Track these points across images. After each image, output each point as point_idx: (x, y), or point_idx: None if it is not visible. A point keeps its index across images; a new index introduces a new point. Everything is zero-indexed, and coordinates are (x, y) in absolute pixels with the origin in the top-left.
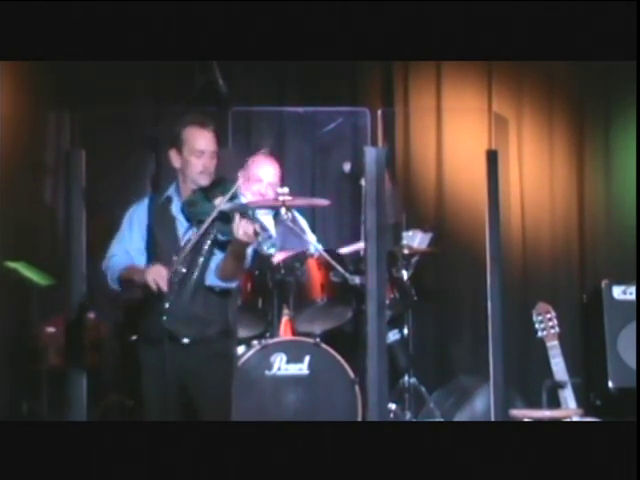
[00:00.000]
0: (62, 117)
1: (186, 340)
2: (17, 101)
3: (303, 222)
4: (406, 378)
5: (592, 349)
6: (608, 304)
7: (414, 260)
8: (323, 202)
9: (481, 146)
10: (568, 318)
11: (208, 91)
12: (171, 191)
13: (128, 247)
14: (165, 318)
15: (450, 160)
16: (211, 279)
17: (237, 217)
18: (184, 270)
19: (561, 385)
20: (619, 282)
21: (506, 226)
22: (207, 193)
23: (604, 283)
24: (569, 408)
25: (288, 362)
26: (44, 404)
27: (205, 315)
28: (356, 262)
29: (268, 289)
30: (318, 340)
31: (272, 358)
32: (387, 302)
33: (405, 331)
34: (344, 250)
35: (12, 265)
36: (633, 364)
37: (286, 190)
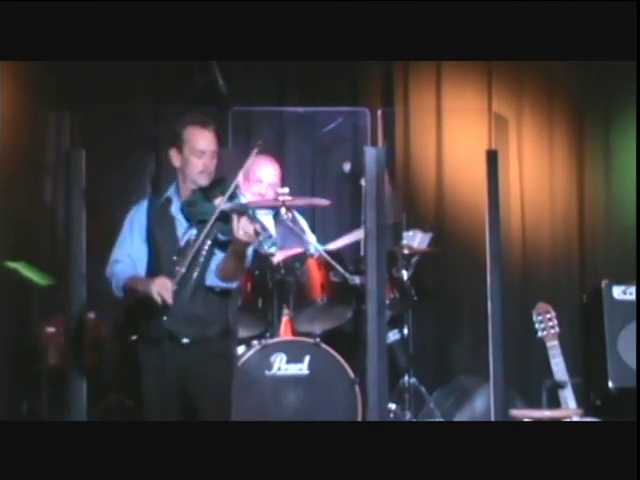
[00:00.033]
0: (62, 117)
1: (186, 340)
2: (17, 101)
3: (303, 222)
4: (406, 378)
5: (592, 349)
6: (608, 304)
7: (414, 260)
8: (323, 202)
9: (481, 146)
10: (568, 318)
11: (208, 91)
12: (171, 192)
13: (130, 251)
14: (165, 318)
15: (450, 160)
16: (211, 279)
17: (237, 217)
18: (184, 270)
19: (561, 385)
20: (619, 282)
21: (506, 226)
22: (207, 193)
23: (604, 283)
24: (569, 408)
25: (288, 362)
26: (44, 404)
27: (205, 315)
28: (356, 262)
29: (268, 289)
30: (318, 340)
31: (272, 358)
32: (387, 302)
33: (405, 331)
34: (342, 241)
35: (12, 265)
36: (633, 364)
37: (286, 190)
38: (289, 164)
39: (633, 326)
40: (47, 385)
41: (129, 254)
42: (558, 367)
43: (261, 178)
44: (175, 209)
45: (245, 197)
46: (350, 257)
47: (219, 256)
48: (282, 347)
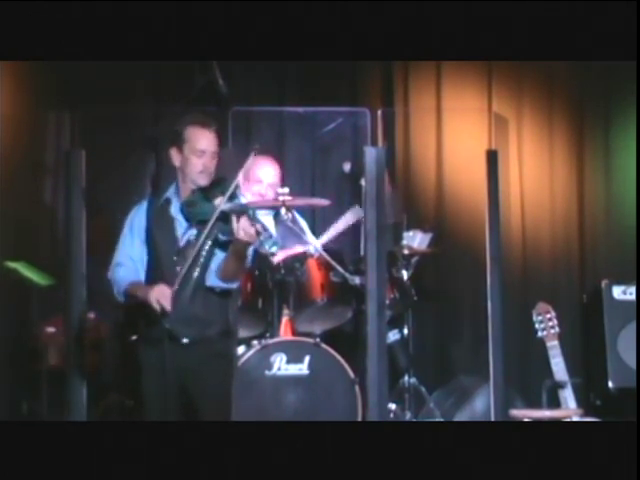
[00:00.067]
0: (62, 117)
1: (186, 340)
2: (17, 101)
3: (303, 222)
4: (406, 378)
5: (592, 349)
6: (608, 304)
7: (414, 260)
8: (323, 202)
9: (481, 146)
10: (568, 318)
11: (208, 91)
12: (170, 192)
13: (131, 253)
14: (165, 318)
15: (450, 160)
16: (212, 280)
17: (238, 217)
18: (184, 271)
19: (561, 385)
20: (619, 282)
21: (506, 226)
22: (206, 193)
23: (604, 283)
24: (569, 408)
25: (288, 362)
26: (44, 404)
27: (205, 315)
28: (356, 262)
29: (268, 289)
30: (318, 340)
31: (272, 358)
32: (387, 302)
33: (405, 331)
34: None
35: (12, 265)
36: (633, 364)
37: (286, 190)
38: (289, 164)
39: (633, 326)
40: (47, 385)
41: (130, 256)
42: (558, 367)
43: (261, 178)
44: (175, 209)
45: (245, 197)
46: (350, 257)
47: (219, 256)
48: (282, 347)
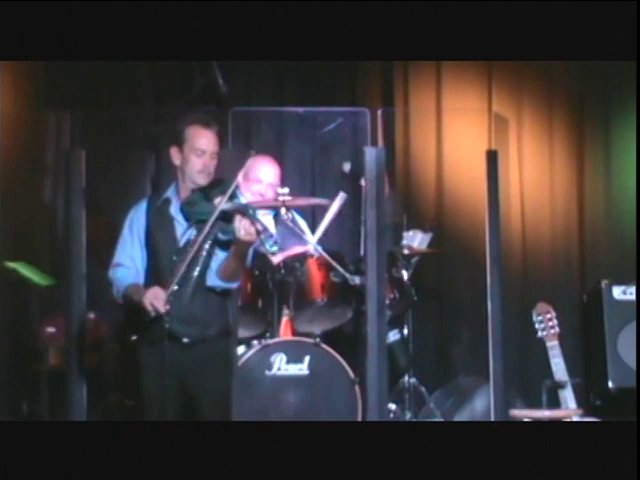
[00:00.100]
0: (62, 117)
1: (186, 340)
2: (17, 101)
3: (302, 222)
4: (406, 378)
5: (592, 349)
6: (608, 304)
7: (414, 260)
8: (323, 202)
9: (481, 146)
10: (568, 318)
11: (208, 91)
12: (170, 192)
13: (131, 253)
14: (165, 318)
15: (450, 160)
16: (212, 279)
17: (238, 217)
18: (184, 270)
19: (561, 385)
20: (619, 282)
21: (506, 226)
22: (206, 193)
23: (604, 283)
24: (569, 408)
25: (288, 362)
26: (44, 404)
27: (205, 315)
28: (356, 262)
29: (268, 289)
30: (318, 340)
31: (272, 358)
32: (387, 302)
33: (405, 331)
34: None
35: (12, 265)
36: (633, 364)
37: (286, 190)
38: (289, 164)
39: (633, 326)
40: (47, 385)
41: (130, 256)
42: (558, 367)
43: (260, 178)
44: (174, 209)
45: (245, 197)
46: (350, 257)
47: (219, 256)
48: (282, 347)
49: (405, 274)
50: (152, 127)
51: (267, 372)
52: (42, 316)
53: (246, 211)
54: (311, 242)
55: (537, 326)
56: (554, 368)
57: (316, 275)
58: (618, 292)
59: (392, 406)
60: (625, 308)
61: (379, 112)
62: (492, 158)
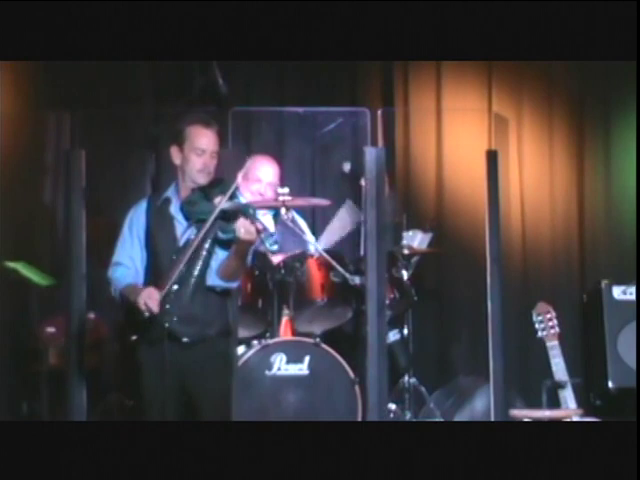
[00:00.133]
0: (62, 117)
1: (186, 339)
2: (17, 101)
3: (302, 222)
4: (406, 378)
5: (592, 349)
6: (608, 304)
7: (414, 260)
8: (323, 202)
9: (481, 146)
10: (568, 318)
11: (208, 91)
12: (170, 191)
13: (130, 252)
14: (165, 318)
15: (450, 160)
16: (212, 279)
17: (238, 216)
18: (184, 270)
19: (561, 385)
20: (619, 282)
21: (506, 226)
22: (206, 193)
23: (604, 283)
24: (569, 408)
25: (288, 362)
26: (44, 404)
27: (205, 315)
28: (356, 262)
29: (268, 289)
30: (318, 340)
31: (272, 358)
32: (387, 302)
33: (405, 331)
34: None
35: (12, 265)
36: (633, 364)
37: (286, 190)
38: (289, 164)
39: (633, 326)
40: (47, 385)
41: (129, 255)
42: (558, 367)
43: (260, 178)
44: (174, 209)
45: (244, 197)
46: (350, 257)
47: (219, 256)
48: (282, 347)
49: (405, 274)
50: (152, 127)
51: (267, 372)
52: (42, 316)
53: (246, 211)
54: (311, 242)
55: (537, 326)
56: (554, 368)
57: (316, 275)
58: (618, 292)
59: (392, 406)
60: (625, 308)
61: (379, 112)
62: (492, 158)
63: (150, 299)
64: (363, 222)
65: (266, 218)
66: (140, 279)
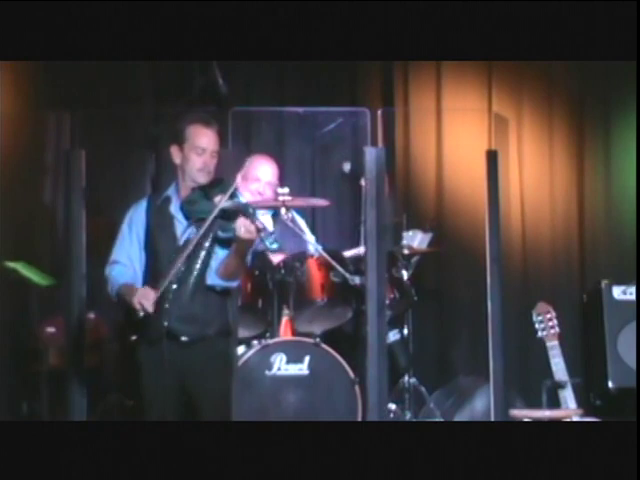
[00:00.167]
0: (62, 117)
1: (185, 338)
2: (17, 101)
3: (302, 222)
4: (406, 378)
5: (592, 349)
6: (608, 304)
7: (414, 260)
8: (323, 202)
9: (481, 146)
10: (568, 318)
11: (208, 91)
12: (170, 191)
13: (129, 251)
14: (164, 317)
15: (450, 160)
16: (212, 278)
17: (239, 215)
18: (183, 269)
19: (561, 385)
20: (619, 282)
21: (506, 226)
22: (206, 192)
23: (604, 283)
24: (569, 408)
25: (288, 362)
26: (44, 404)
27: (205, 314)
28: (356, 262)
29: (268, 289)
30: (318, 340)
31: (272, 358)
32: (387, 302)
33: (405, 331)
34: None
35: (12, 265)
36: (633, 364)
37: (286, 190)
38: (289, 164)
39: (633, 326)
40: (47, 385)
41: (128, 255)
42: (558, 367)
43: (259, 177)
44: (174, 208)
45: (244, 197)
46: (350, 257)
47: (219, 255)
48: (282, 347)
49: (405, 274)
50: (152, 127)
51: (267, 372)
52: (42, 316)
53: (246, 210)
54: (311, 242)
55: (537, 326)
56: (554, 368)
57: (316, 275)
58: (618, 292)
59: (392, 406)
60: (625, 308)
61: (379, 112)
62: (492, 158)
63: (145, 299)
64: (363, 222)
65: (265, 218)
66: (137, 278)
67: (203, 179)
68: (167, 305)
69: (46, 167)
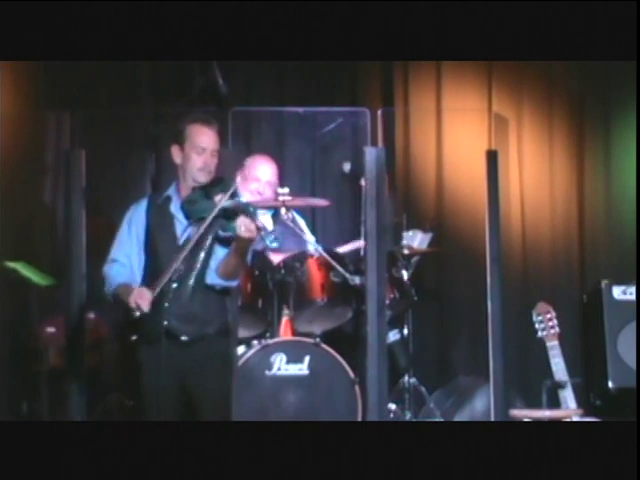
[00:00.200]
0: (62, 117)
1: (184, 337)
2: (17, 101)
3: (302, 222)
4: (406, 378)
5: (592, 349)
6: (608, 304)
7: (414, 260)
8: (323, 202)
9: (481, 146)
10: (568, 318)
11: (208, 91)
12: (171, 191)
13: (128, 251)
14: (164, 316)
15: (450, 160)
16: (212, 278)
17: (239, 215)
18: (183, 268)
19: (561, 385)
20: (619, 282)
21: (506, 226)
22: (207, 191)
23: (604, 283)
24: (569, 408)
25: (288, 362)
26: (44, 404)
27: (204, 314)
28: (356, 262)
29: (268, 289)
30: (318, 340)
31: (272, 358)
32: (387, 302)
33: (405, 331)
34: (343, 249)
35: (12, 265)
36: (633, 364)
37: (286, 190)
38: (289, 164)
39: (633, 326)
40: (47, 385)
41: (126, 254)
42: (558, 367)
43: (258, 177)
44: (175, 207)
45: (244, 196)
46: (350, 257)
47: (219, 254)
48: (282, 347)
49: (405, 274)
50: (152, 127)
51: (267, 372)
52: (42, 316)
53: (247, 209)
54: (311, 242)
55: (537, 326)
56: (554, 368)
57: (316, 275)
58: (618, 292)
59: (392, 406)
60: (625, 308)
61: (379, 112)
62: (492, 158)
63: (141, 298)
64: (363, 222)
65: (265, 218)
66: (135, 278)
67: (204, 178)
68: (167, 304)
69: (46, 167)
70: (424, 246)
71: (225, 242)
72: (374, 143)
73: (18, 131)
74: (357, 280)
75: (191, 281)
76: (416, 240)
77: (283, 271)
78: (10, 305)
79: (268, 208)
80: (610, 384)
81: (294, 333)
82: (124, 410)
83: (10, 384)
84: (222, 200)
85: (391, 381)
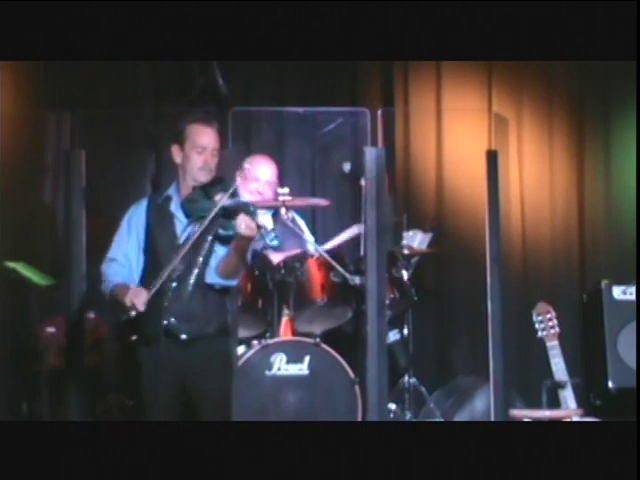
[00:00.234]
0: (62, 117)
1: (184, 336)
2: (17, 101)
3: (302, 222)
4: (406, 378)
5: (592, 349)
6: (608, 304)
7: (414, 260)
8: (323, 202)
9: (481, 146)
10: (568, 318)
11: (208, 91)
12: (171, 190)
13: (127, 250)
14: (164, 316)
15: (450, 160)
16: (211, 277)
17: (239, 214)
18: (183, 267)
19: (561, 385)
20: (619, 282)
21: (506, 226)
22: (207, 190)
23: (604, 283)
24: (569, 408)
25: (288, 362)
26: (44, 404)
27: (204, 313)
28: (356, 262)
29: (268, 289)
30: (318, 340)
31: (272, 358)
32: (387, 302)
33: (405, 331)
34: (339, 238)
35: (12, 265)
36: (633, 364)
37: (286, 190)
38: (289, 164)
39: (633, 326)
40: (47, 385)
41: (125, 253)
42: (558, 367)
43: (258, 176)
44: (175, 207)
45: (243, 196)
46: (350, 257)
47: (219, 253)
48: (282, 347)
49: (405, 274)
50: (152, 127)
51: (267, 372)
52: (42, 316)
53: (247, 208)
54: (311, 242)
55: (537, 326)
56: (554, 368)
57: (316, 275)
58: (618, 292)
59: (392, 406)
60: (625, 308)
61: (379, 112)
62: (492, 158)
63: (136, 297)
64: (363, 222)
65: (265, 217)
66: (133, 277)
67: (204, 178)
68: (166, 303)
69: (46, 167)
70: (424, 246)
71: (225, 241)
72: (374, 143)
73: (18, 131)
74: (357, 280)
75: (191, 280)
76: (416, 240)
77: (283, 271)
78: (10, 305)
79: (268, 208)
80: (610, 384)
81: (294, 333)
82: (124, 410)
83: (10, 384)
84: (222, 199)
85: (391, 381)
